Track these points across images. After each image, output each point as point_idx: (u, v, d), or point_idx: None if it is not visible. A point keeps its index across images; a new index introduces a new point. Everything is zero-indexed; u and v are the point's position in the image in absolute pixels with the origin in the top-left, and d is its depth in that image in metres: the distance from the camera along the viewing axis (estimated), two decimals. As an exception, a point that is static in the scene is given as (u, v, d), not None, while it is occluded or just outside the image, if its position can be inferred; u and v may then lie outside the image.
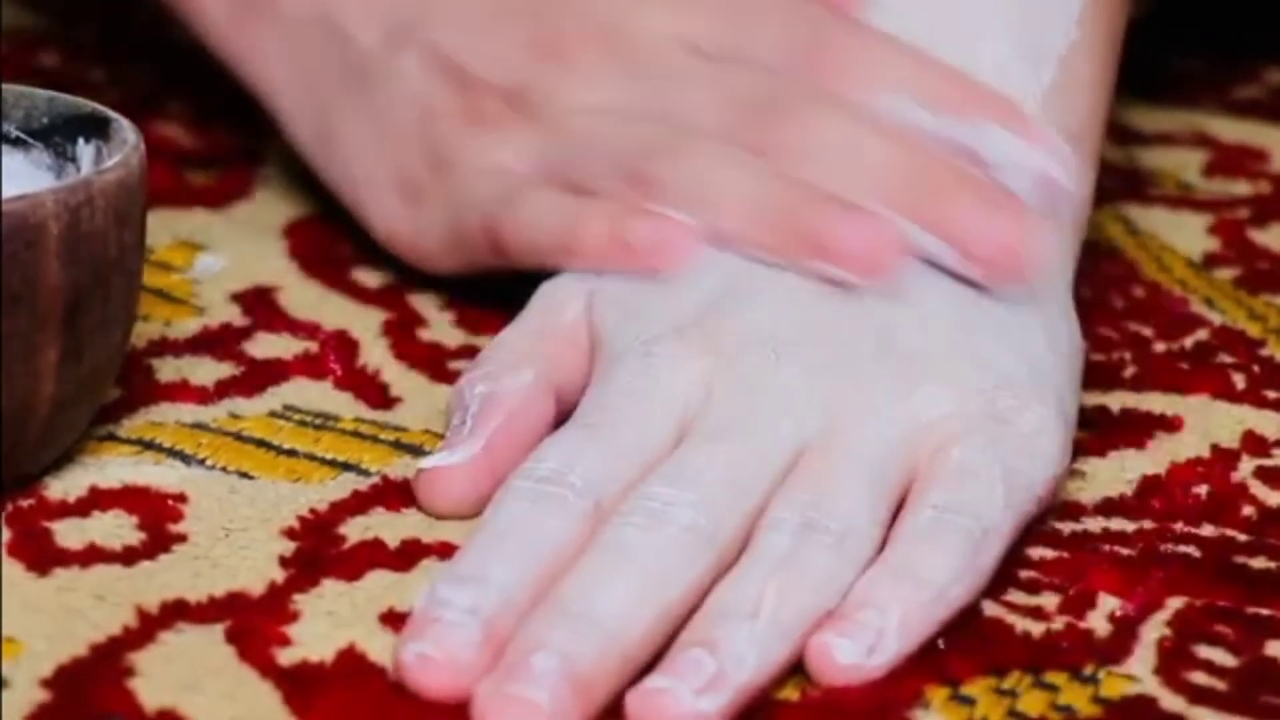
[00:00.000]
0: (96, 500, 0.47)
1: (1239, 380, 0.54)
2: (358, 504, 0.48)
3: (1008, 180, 0.46)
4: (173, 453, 0.49)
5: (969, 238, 0.44)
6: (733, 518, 0.44)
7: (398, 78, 0.53)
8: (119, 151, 0.47)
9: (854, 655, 0.43)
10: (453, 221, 0.52)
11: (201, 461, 0.49)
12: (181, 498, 0.47)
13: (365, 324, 0.55)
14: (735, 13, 0.50)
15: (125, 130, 0.47)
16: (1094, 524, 0.48)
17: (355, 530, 0.47)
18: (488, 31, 0.52)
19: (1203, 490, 0.50)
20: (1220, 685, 0.43)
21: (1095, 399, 0.53)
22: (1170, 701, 0.43)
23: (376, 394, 0.52)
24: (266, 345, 0.54)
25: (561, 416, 0.48)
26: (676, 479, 0.45)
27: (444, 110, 0.52)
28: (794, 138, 0.47)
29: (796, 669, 0.43)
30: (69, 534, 0.46)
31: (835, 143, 0.47)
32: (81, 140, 0.48)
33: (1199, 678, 0.43)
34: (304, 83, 0.55)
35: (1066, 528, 0.48)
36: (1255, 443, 0.52)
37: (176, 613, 0.44)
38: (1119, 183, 0.65)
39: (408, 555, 0.46)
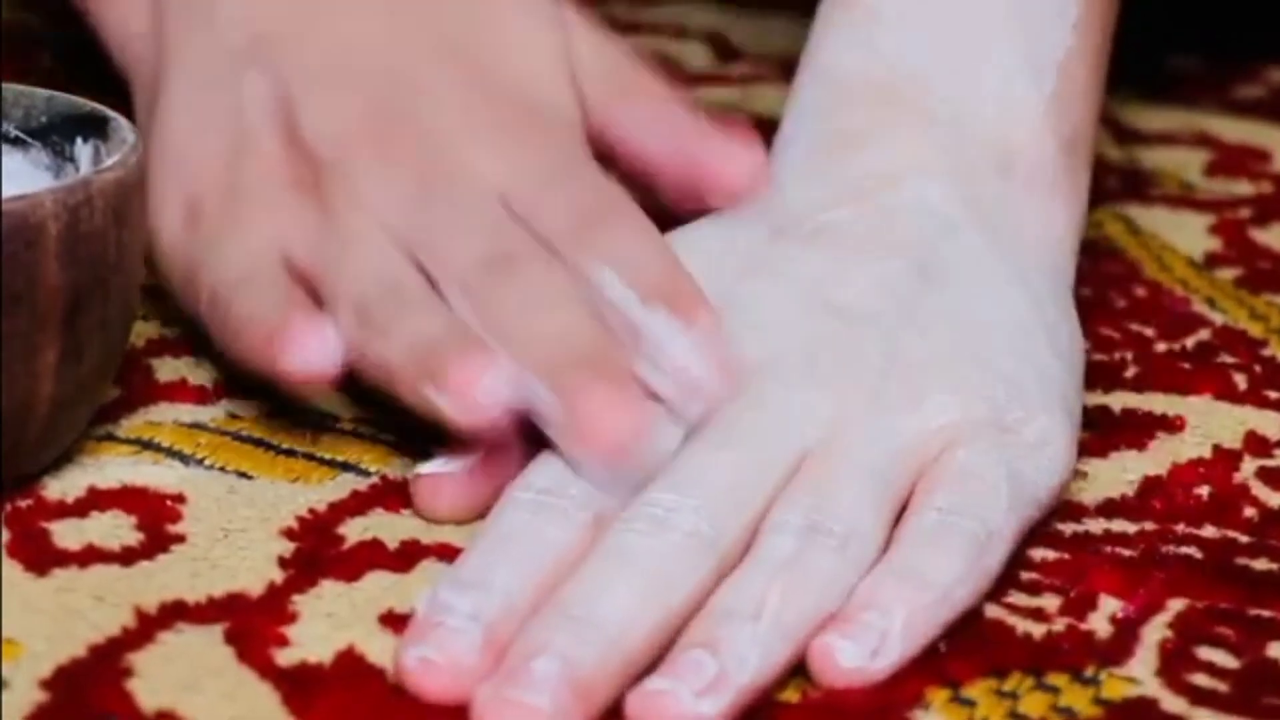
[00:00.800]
0: (95, 500, 0.47)
1: (1241, 380, 0.54)
2: (357, 504, 0.48)
3: (665, 368, 0.47)
4: (171, 453, 0.49)
5: (585, 421, 0.45)
6: (735, 523, 0.44)
7: (237, 91, 0.51)
8: (118, 151, 0.47)
9: (857, 658, 0.43)
10: (202, 270, 0.50)
11: (200, 461, 0.49)
12: (180, 498, 0.47)
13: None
14: (544, 175, 0.50)
15: (124, 129, 0.47)
16: (1095, 525, 0.48)
17: (354, 531, 0.47)
18: (337, 93, 0.51)
19: (1204, 491, 0.50)
20: (1222, 687, 0.43)
21: (1097, 399, 0.53)
22: (1171, 703, 0.43)
23: (376, 394, 0.52)
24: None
25: None
26: (679, 485, 0.45)
27: (259, 149, 0.51)
28: (492, 296, 0.48)
29: (798, 670, 0.43)
30: (68, 534, 0.46)
31: (515, 304, 0.47)
32: (80, 140, 0.48)
33: (1200, 679, 0.43)
34: (156, 42, 0.53)
35: (1068, 529, 0.48)
36: (1257, 443, 0.52)
37: (175, 613, 0.44)
38: (1120, 182, 0.65)
39: (407, 556, 0.46)
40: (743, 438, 0.46)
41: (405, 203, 0.49)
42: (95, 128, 0.48)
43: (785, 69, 0.56)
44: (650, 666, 0.42)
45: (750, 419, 0.46)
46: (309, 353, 0.47)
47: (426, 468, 0.47)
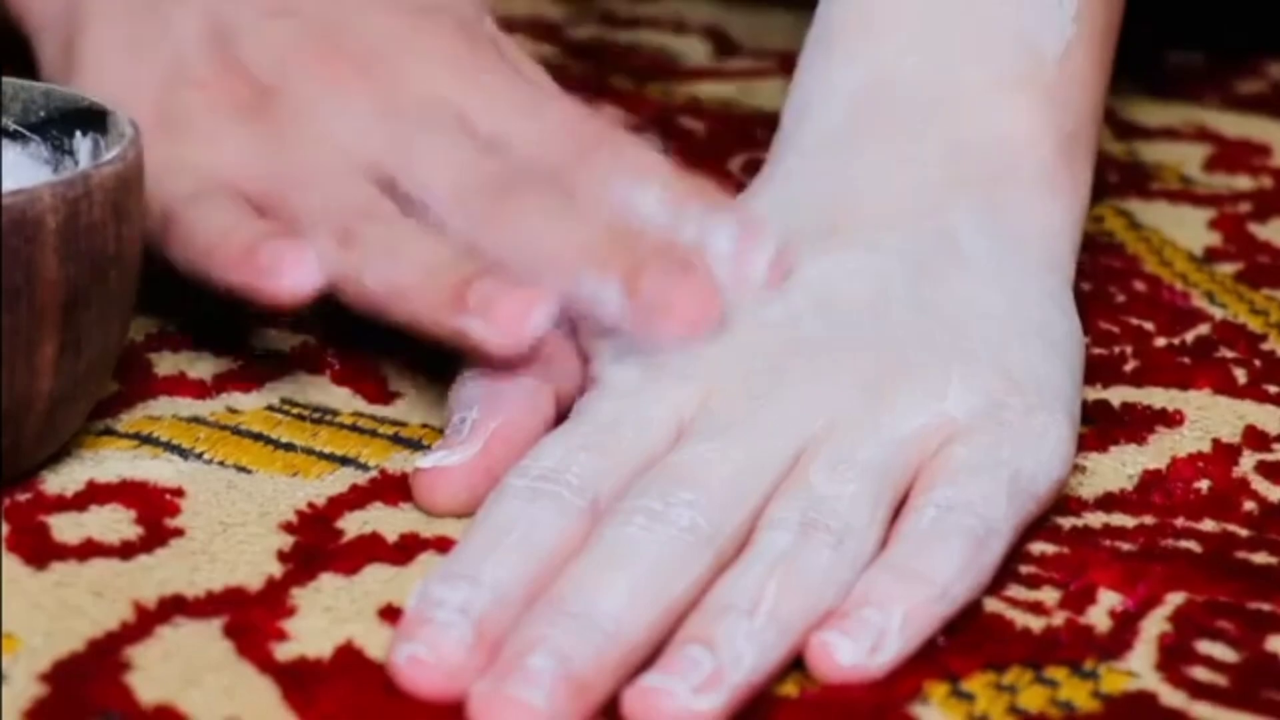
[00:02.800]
0: (94, 495, 0.47)
1: (1240, 375, 0.54)
2: (356, 498, 0.48)
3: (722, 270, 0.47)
4: (170, 447, 0.49)
5: (654, 295, 0.45)
6: (733, 518, 0.44)
7: (165, 22, 0.51)
8: (117, 145, 0.47)
9: (856, 655, 0.42)
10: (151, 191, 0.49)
11: (199, 456, 0.49)
12: (179, 492, 0.47)
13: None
14: (516, 103, 0.50)
15: (122, 123, 0.47)
16: (1094, 519, 0.48)
17: (353, 525, 0.47)
18: (273, 19, 0.51)
19: (1203, 485, 0.50)
20: (1221, 681, 0.43)
21: (1096, 394, 0.53)
22: (1171, 697, 0.43)
23: (375, 388, 0.52)
24: (265, 339, 0.54)
25: (560, 418, 0.48)
26: (677, 478, 0.45)
27: (195, 76, 0.50)
28: (505, 214, 0.47)
29: (795, 665, 0.43)
30: (66, 528, 0.46)
31: (539, 219, 0.47)
32: (79, 133, 0.48)
33: (1200, 673, 0.43)
34: None
35: (1067, 523, 0.48)
36: (1256, 438, 0.51)
37: (174, 608, 0.44)
38: (1121, 177, 0.65)
39: (406, 549, 0.46)
40: (741, 433, 0.46)
41: (364, 125, 0.49)
42: (94, 122, 0.48)
43: (784, 64, 0.56)
44: (647, 662, 0.42)
45: (748, 414, 0.46)
46: (293, 272, 0.47)
47: (426, 461, 0.47)
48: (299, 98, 0.49)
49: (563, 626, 0.41)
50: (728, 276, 0.46)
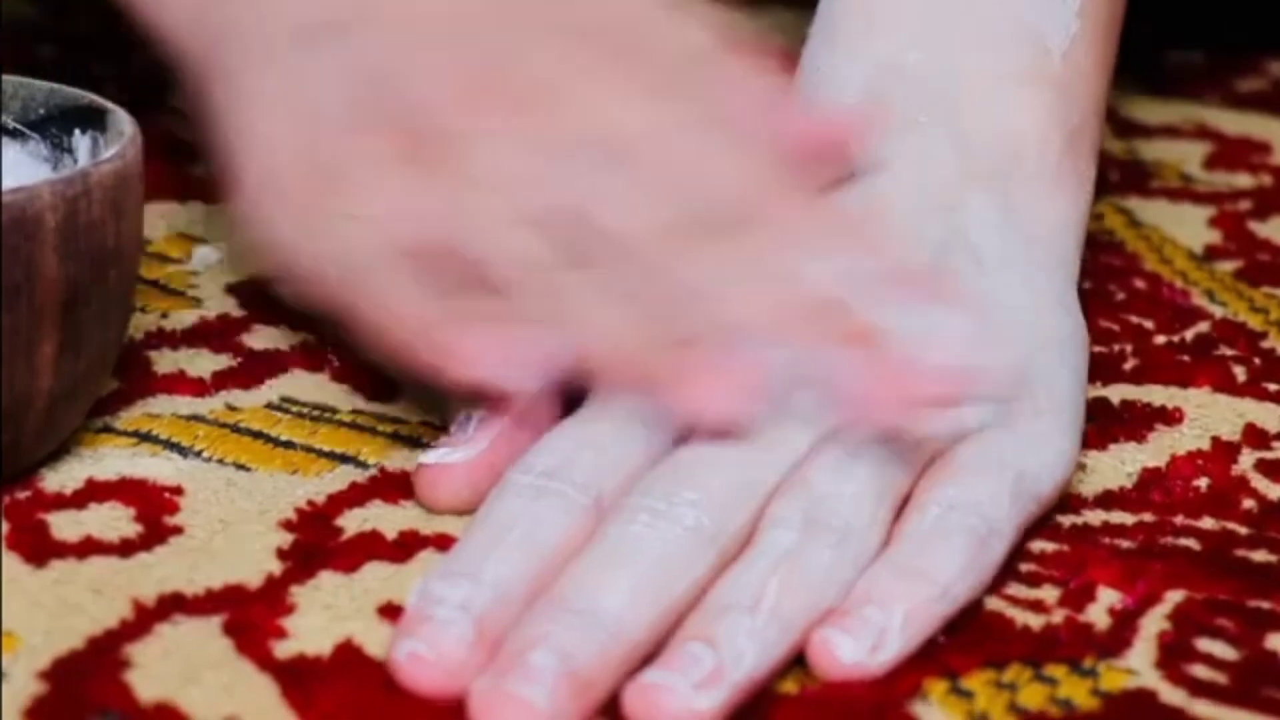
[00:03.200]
0: (93, 492, 0.47)
1: (1240, 373, 0.54)
2: (355, 496, 0.48)
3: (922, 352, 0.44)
4: (170, 445, 0.49)
5: (852, 380, 0.43)
6: (736, 517, 0.44)
7: (316, 66, 0.48)
8: (116, 143, 0.47)
9: (857, 653, 0.42)
10: (319, 251, 0.47)
11: (198, 454, 0.49)
12: (178, 490, 0.47)
13: (364, 316, 0.55)
14: (699, 142, 0.46)
15: (122, 121, 0.47)
16: (1094, 517, 0.48)
17: (353, 522, 0.47)
18: (431, 55, 0.47)
19: (1203, 483, 0.50)
20: (1220, 678, 0.43)
21: (1096, 391, 0.53)
22: (1170, 695, 0.43)
23: (374, 385, 0.52)
24: (264, 337, 0.54)
25: (565, 414, 0.48)
26: (681, 477, 0.44)
27: (349, 123, 0.47)
28: (685, 265, 0.45)
29: (796, 662, 0.43)
30: (65, 526, 0.46)
31: (722, 273, 0.45)
32: (78, 131, 0.48)
33: (1199, 671, 0.43)
34: (208, 27, 0.50)
35: (1066, 521, 0.48)
36: (1256, 436, 0.51)
37: (173, 605, 0.44)
38: (1121, 175, 0.65)
39: (406, 547, 0.46)
40: (744, 431, 0.46)
41: (539, 168, 0.45)
42: (93, 120, 0.48)
43: (785, 63, 0.56)
44: (648, 659, 0.42)
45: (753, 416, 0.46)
46: (491, 365, 0.45)
47: (430, 458, 0.47)
48: (461, 140, 0.46)
49: (565, 624, 0.41)
50: (920, 357, 0.44)
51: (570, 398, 0.48)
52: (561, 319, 0.45)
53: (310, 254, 0.47)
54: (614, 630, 0.42)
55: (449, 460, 0.47)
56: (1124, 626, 0.45)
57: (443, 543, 0.46)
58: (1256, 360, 0.55)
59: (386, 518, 0.47)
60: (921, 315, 0.45)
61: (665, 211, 0.45)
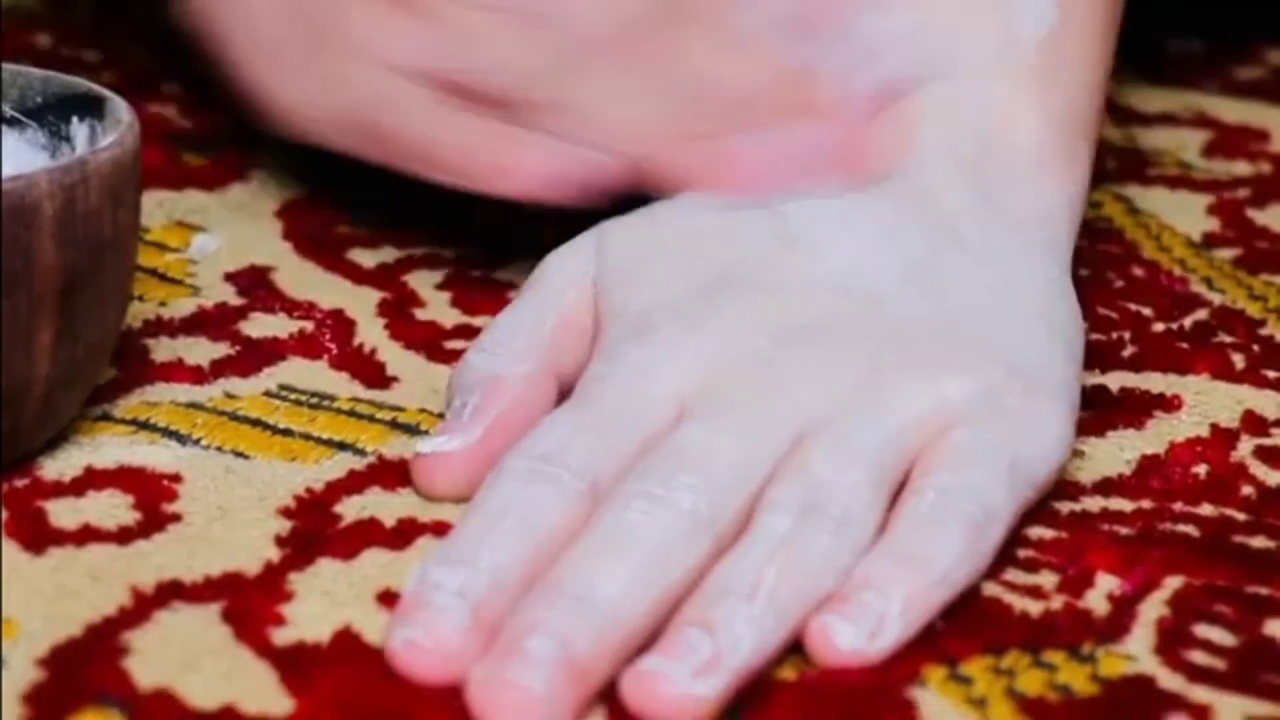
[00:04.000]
0: (91, 480, 0.47)
1: (1238, 360, 0.54)
2: (354, 483, 0.48)
3: None
4: (168, 432, 0.49)
5: None
6: (734, 501, 0.44)
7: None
8: (113, 131, 0.47)
9: (856, 640, 0.42)
10: (334, 102, 0.49)
11: (196, 441, 0.49)
12: (176, 477, 0.47)
13: (361, 304, 0.55)
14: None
15: (120, 109, 0.47)
16: (1093, 503, 0.48)
17: (351, 509, 0.47)
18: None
19: (1202, 470, 0.50)
20: (1219, 664, 0.43)
21: (1094, 379, 0.53)
22: (1169, 680, 0.43)
23: (373, 373, 0.52)
24: (262, 325, 0.54)
25: (561, 401, 0.48)
26: (678, 462, 0.44)
27: None
28: (685, 54, 0.47)
29: (794, 648, 0.43)
30: (64, 514, 0.46)
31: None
32: (76, 119, 0.48)
33: (1198, 657, 0.43)
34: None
35: (1065, 507, 0.48)
36: (1254, 422, 0.51)
37: (172, 593, 0.44)
38: (1119, 163, 0.65)
39: (404, 534, 0.46)
40: (742, 415, 0.46)
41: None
42: (91, 108, 0.48)
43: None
44: (645, 644, 0.42)
45: (750, 396, 0.46)
46: (542, 178, 0.47)
47: (426, 446, 0.47)
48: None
49: (562, 609, 0.41)
50: None
51: (564, 389, 0.49)
52: (585, 127, 0.46)
53: (325, 107, 0.48)
54: (611, 616, 0.42)
55: (446, 449, 0.47)
56: (1123, 612, 0.45)
57: (440, 530, 0.46)
58: (1255, 347, 0.55)
59: (385, 505, 0.47)
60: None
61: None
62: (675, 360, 0.47)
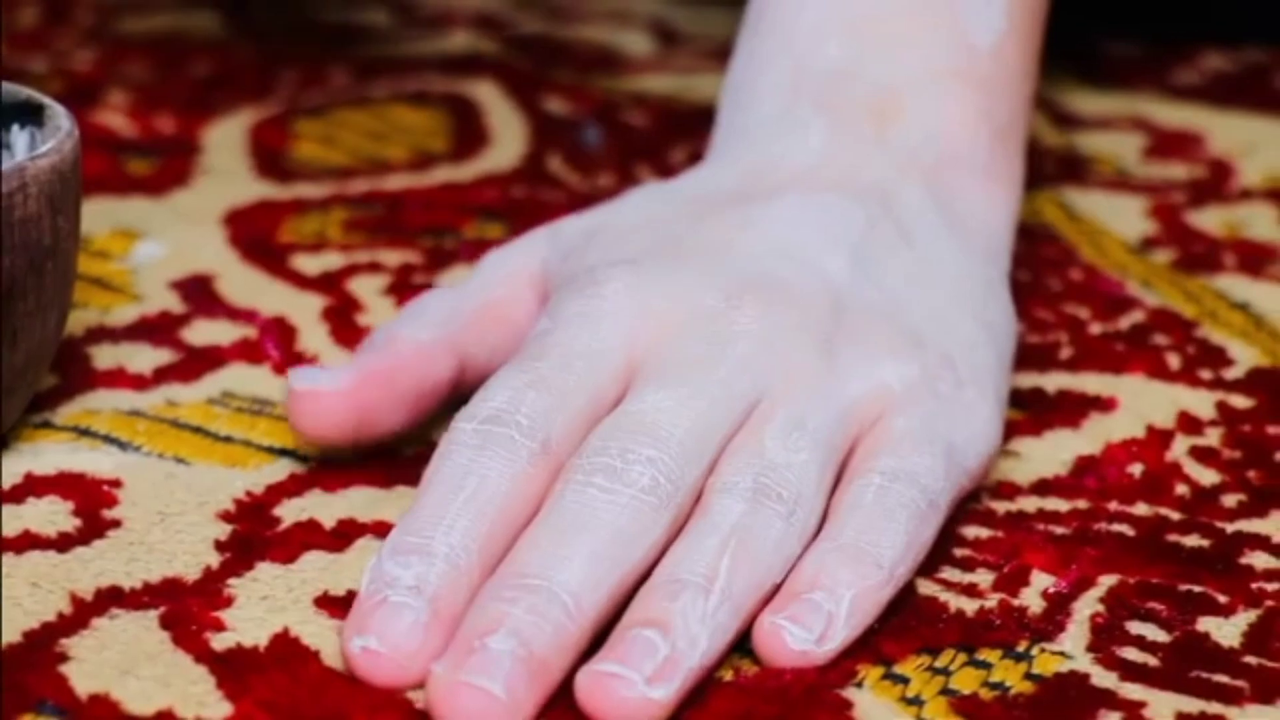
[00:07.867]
0: (32, 487, 0.47)
1: (1174, 361, 0.54)
2: (294, 486, 0.48)
3: None
4: (109, 439, 0.49)
5: None
6: (691, 472, 0.44)
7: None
8: (53, 138, 0.47)
9: (804, 642, 0.42)
10: None
11: (138, 448, 0.49)
12: (117, 483, 0.47)
13: (304, 310, 0.55)
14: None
15: (60, 117, 0.47)
16: (1029, 503, 0.49)
17: (290, 512, 0.47)
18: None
19: (1137, 470, 0.50)
20: (1152, 661, 0.43)
21: (1031, 380, 0.53)
22: (1102, 678, 0.43)
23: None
24: (204, 332, 0.54)
25: (468, 391, 0.47)
26: (636, 430, 0.44)
27: None
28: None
29: (731, 648, 0.43)
30: (4, 521, 0.46)
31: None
32: (16, 127, 0.48)
33: (1131, 654, 0.44)
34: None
35: (1001, 507, 0.48)
36: (1189, 422, 0.52)
37: (111, 599, 0.44)
38: (1057, 167, 0.65)
39: (344, 535, 0.46)
40: (699, 383, 0.45)
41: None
42: (31, 115, 0.48)
43: (727, 57, 0.57)
44: (605, 628, 0.42)
45: (705, 361, 0.46)
46: None
47: (302, 380, 0.47)
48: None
49: (523, 604, 0.41)
50: None
51: (475, 378, 0.48)
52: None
53: None
54: (571, 607, 0.41)
55: (314, 385, 0.46)
56: (1057, 610, 0.45)
57: (381, 530, 0.46)
58: (1190, 348, 0.55)
59: (324, 507, 0.47)
60: None
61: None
62: (624, 311, 0.46)
